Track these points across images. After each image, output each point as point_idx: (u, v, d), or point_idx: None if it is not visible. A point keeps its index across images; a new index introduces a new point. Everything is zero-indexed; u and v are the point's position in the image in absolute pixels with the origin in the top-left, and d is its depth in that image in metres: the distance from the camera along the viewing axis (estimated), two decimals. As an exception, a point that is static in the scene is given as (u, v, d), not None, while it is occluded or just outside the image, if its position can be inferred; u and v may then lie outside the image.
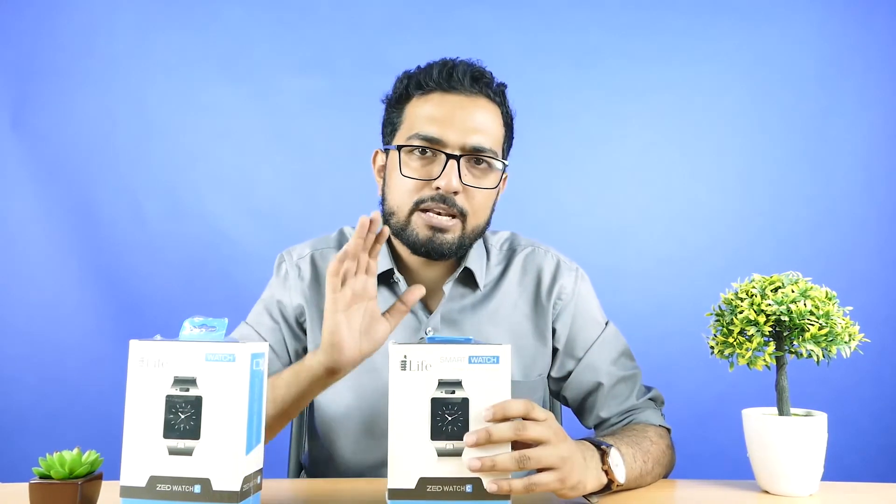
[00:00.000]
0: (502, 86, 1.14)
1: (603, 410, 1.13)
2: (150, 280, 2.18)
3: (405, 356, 0.79)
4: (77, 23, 2.22)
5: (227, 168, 2.24)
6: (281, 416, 0.98)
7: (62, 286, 2.16)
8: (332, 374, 0.92)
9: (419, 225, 1.05)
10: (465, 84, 1.07)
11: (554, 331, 1.17)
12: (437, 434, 0.78)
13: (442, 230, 1.05)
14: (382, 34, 2.30)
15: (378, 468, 1.13)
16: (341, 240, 1.21)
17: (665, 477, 1.07)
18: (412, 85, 1.10)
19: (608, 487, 0.90)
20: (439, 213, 1.04)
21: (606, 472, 0.89)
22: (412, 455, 0.78)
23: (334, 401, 1.15)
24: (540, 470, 0.80)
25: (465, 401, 0.78)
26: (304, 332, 1.17)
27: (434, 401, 0.78)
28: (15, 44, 2.20)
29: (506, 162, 1.12)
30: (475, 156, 1.06)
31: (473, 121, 1.06)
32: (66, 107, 2.21)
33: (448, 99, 1.07)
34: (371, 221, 0.84)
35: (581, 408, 1.18)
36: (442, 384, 0.78)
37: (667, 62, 2.30)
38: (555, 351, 1.18)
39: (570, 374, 1.17)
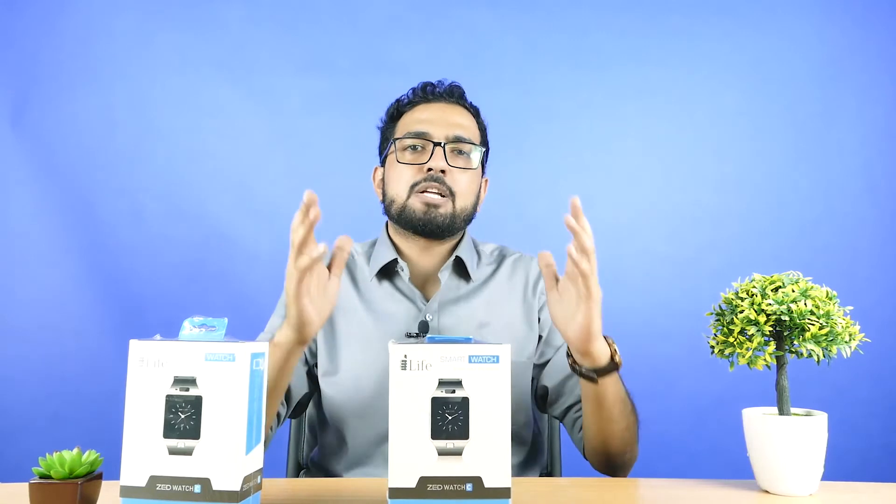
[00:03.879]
0: (475, 106, 1.35)
1: (576, 391, 1.23)
2: (150, 280, 2.18)
3: (405, 356, 0.79)
4: (77, 23, 2.22)
5: (227, 168, 2.24)
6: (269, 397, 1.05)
7: (62, 286, 2.16)
8: (302, 343, 1.01)
9: (415, 204, 1.22)
10: (443, 95, 1.30)
11: (539, 319, 1.29)
12: (437, 433, 0.78)
13: (435, 206, 1.22)
14: (382, 34, 2.30)
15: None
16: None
17: (629, 439, 1.12)
18: (401, 104, 1.31)
19: (613, 368, 1.03)
20: (432, 192, 1.21)
21: (609, 345, 1.04)
22: (413, 454, 0.78)
23: (341, 382, 1.23)
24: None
25: (466, 400, 0.78)
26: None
27: (434, 400, 0.78)
28: (15, 44, 2.20)
29: (483, 148, 1.29)
30: (457, 145, 1.24)
31: (452, 118, 1.27)
32: (66, 107, 2.21)
33: (430, 106, 1.29)
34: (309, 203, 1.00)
35: (559, 392, 1.26)
36: (442, 384, 0.78)
37: (667, 63, 2.31)
38: (538, 339, 1.29)
39: (548, 362, 1.28)
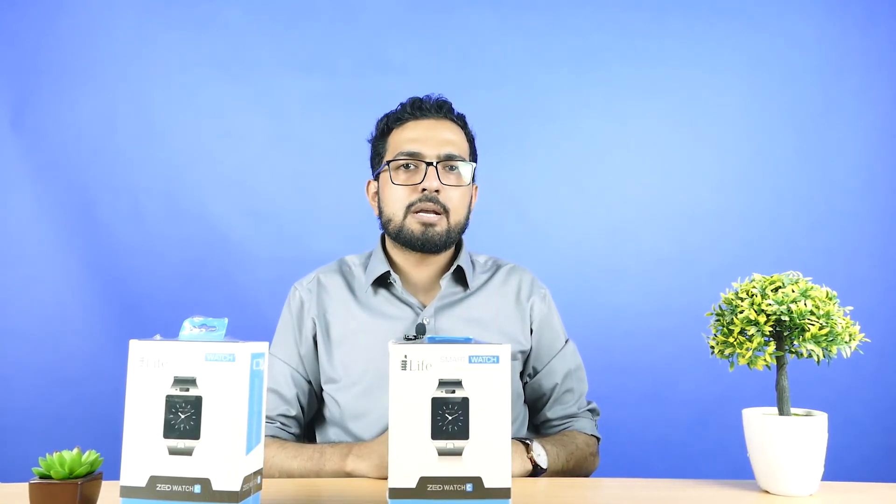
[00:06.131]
0: (462, 115, 1.38)
1: (550, 412, 1.36)
2: (150, 280, 2.18)
3: (405, 356, 0.79)
4: (77, 23, 2.22)
5: (227, 168, 2.24)
6: (285, 477, 1.17)
7: (62, 286, 2.16)
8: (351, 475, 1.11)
9: (412, 224, 1.27)
10: (431, 111, 1.33)
11: (532, 331, 1.35)
12: (437, 433, 0.78)
13: (431, 224, 1.26)
14: (382, 34, 2.30)
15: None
16: (342, 267, 1.39)
17: (587, 476, 1.29)
18: (391, 120, 1.34)
19: (537, 473, 1.13)
20: (427, 212, 1.26)
21: (531, 460, 1.13)
22: (413, 454, 0.78)
23: (343, 384, 1.29)
24: None
25: (466, 400, 0.78)
26: (315, 341, 1.33)
27: (434, 400, 0.78)
28: (15, 43, 2.20)
29: (474, 164, 1.35)
30: (448, 162, 1.28)
31: (443, 136, 1.30)
32: (66, 107, 2.20)
33: (420, 123, 1.32)
34: None
35: (534, 406, 1.39)
36: (442, 384, 0.79)
37: (667, 63, 2.31)
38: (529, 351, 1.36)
39: (530, 377, 1.37)
